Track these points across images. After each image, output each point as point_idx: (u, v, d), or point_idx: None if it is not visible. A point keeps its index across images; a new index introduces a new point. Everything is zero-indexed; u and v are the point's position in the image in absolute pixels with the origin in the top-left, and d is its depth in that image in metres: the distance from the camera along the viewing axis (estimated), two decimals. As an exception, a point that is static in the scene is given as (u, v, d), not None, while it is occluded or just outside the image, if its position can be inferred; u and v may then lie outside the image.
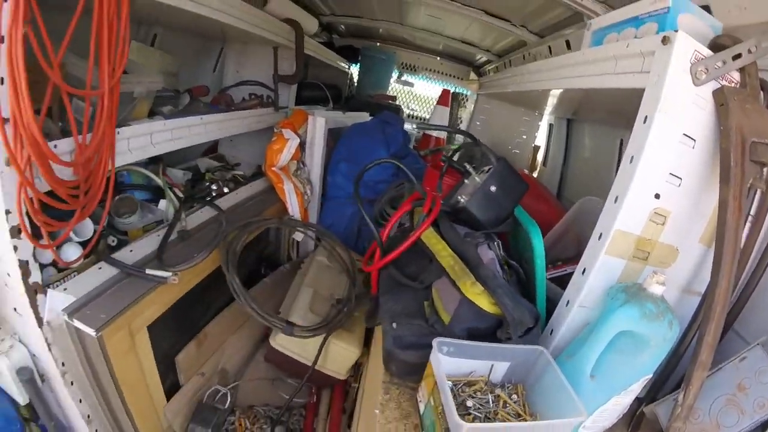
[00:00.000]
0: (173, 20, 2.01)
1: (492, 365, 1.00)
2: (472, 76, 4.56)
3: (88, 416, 1.40)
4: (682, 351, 1.06)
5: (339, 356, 1.73)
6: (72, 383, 1.31)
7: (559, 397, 0.90)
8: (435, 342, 0.94)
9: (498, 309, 1.03)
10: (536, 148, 3.27)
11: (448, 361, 0.94)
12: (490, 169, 1.46)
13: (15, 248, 1.09)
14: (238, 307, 1.87)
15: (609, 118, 2.27)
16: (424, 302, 1.28)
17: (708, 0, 1.14)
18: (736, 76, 0.97)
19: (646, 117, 0.96)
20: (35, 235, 1.11)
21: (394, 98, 4.61)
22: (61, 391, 1.31)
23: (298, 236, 2.35)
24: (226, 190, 2.05)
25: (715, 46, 0.96)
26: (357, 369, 1.83)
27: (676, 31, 0.94)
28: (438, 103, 3.28)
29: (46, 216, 1.10)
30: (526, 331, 1.02)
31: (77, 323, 1.16)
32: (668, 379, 1.09)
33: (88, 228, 1.31)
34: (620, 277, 1.01)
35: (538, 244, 1.28)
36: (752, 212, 1.01)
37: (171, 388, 1.58)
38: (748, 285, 1.06)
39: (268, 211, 2.13)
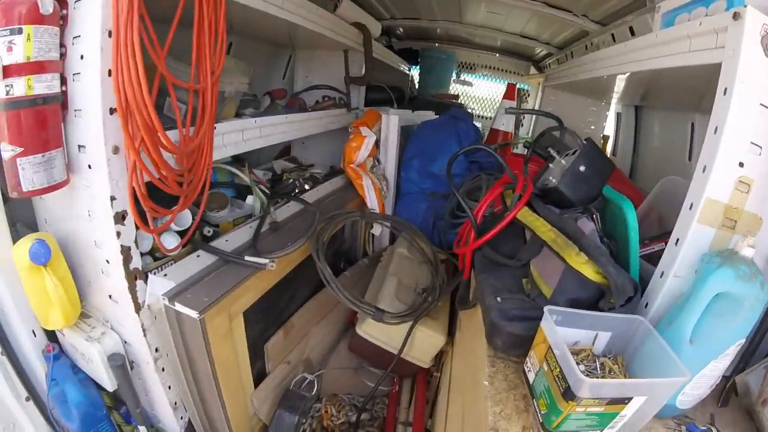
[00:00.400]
0: (248, 29, 2.08)
1: (596, 335, 0.99)
2: (532, 71, 4.44)
3: (176, 403, 1.46)
4: (765, 329, 1.04)
5: (424, 343, 1.72)
6: (163, 369, 1.37)
7: (661, 363, 0.89)
8: (546, 309, 0.93)
9: (601, 278, 1.03)
10: (605, 138, 3.14)
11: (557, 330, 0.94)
12: (575, 151, 1.45)
13: (118, 234, 1.14)
14: (322, 298, 1.92)
15: (679, 100, 2.18)
16: (522, 279, 1.27)
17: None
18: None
19: (725, 89, 0.97)
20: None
21: (456, 97, 4.56)
22: (151, 377, 1.37)
23: (377, 230, 2.36)
24: (306, 187, 2.10)
25: (782, 19, 0.96)
26: (439, 359, 1.83)
27: (745, 6, 0.95)
28: (504, 97, 3.22)
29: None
30: (627, 300, 1.00)
31: (179, 307, 1.19)
32: (756, 351, 1.06)
33: (186, 218, 1.36)
34: (710, 245, 0.99)
35: (632, 218, 1.25)
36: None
37: (258, 376, 1.61)
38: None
39: (347, 207, 2.16)
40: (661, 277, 1.06)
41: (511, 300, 1.17)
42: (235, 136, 1.56)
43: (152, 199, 1.16)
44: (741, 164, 0.97)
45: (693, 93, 1.76)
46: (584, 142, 1.44)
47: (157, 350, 1.34)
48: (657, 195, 1.66)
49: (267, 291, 1.51)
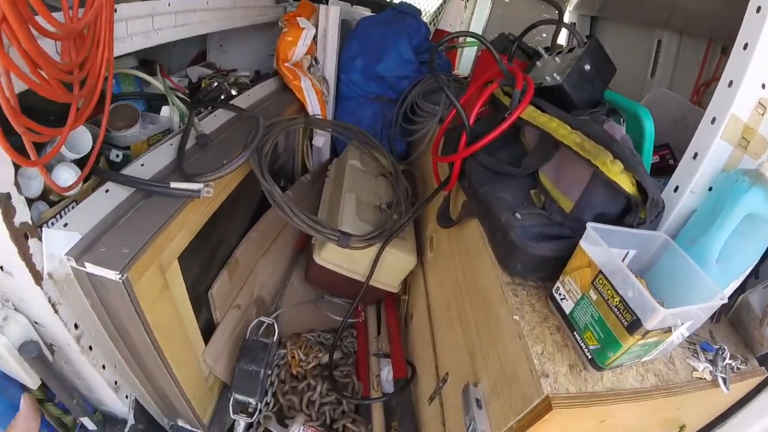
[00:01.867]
0: None
1: (626, 254, 0.89)
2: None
3: (116, 383, 1.17)
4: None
5: (394, 266, 1.49)
6: (90, 348, 1.06)
7: (686, 283, 0.84)
8: (590, 227, 0.81)
9: (635, 190, 0.88)
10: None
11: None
12: (571, 49, 1.28)
13: (-11, 176, 0.77)
14: (264, 226, 1.62)
15: (643, 15, 2.08)
16: (530, 192, 1.08)
17: None
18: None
19: (759, 7, 0.91)
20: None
21: None
22: (79, 359, 1.06)
23: (319, 141, 2.02)
24: (233, 92, 1.71)
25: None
26: (405, 281, 1.61)
27: None
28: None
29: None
30: (656, 215, 0.90)
31: (91, 267, 0.85)
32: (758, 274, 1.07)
33: (84, 140, 0.99)
34: (726, 163, 0.97)
35: (649, 127, 1.12)
36: None
37: (206, 329, 1.33)
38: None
39: (285, 114, 1.78)
40: (675, 191, 1.00)
41: (530, 216, 0.99)
42: (143, 24, 1.17)
43: (30, 117, 0.77)
44: (763, 86, 0.94)
45: (661, 7, 1.70)
46: (588, 38, 1.27)
47: (76, 326, 1.01)
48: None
49: (203, 226, 1.18)
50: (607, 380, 0.79)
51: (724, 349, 0.94)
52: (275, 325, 1.44)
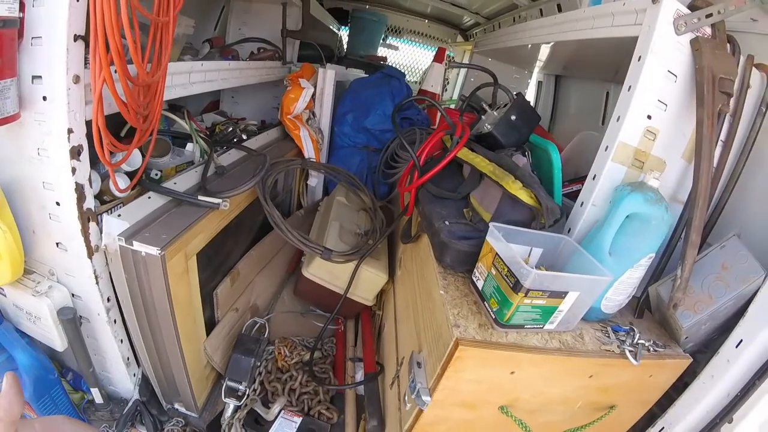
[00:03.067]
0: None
1: (531, 250, 1.14)
2: (459, 39, 4.51)
3: (128, 359, 1.41)
4: (671, 250, 1.25)
5: (369, 282, 1.75)
6: (115, 321, 1.31)
7: (589, 273, 1.02)
8: (491, 224, 1.08)
9: (534, 202, 1.18)
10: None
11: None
12: (506, 105, 1.62)
13: (73, 170, 1.06)
14: (264, 247, 1.89)
15: (596, 72, 2.40)
16: (463, 210, 1.40)
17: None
18: (708, 30, 1.16)
19: (640, 56, 1.16)
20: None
21: (384, 59, 4.50)
22: (103, 331, 1.32)
23: (313, 181, 2.34)
24: (244, 137, 2.03)
25: (692, 6, 1.15)
26: (379, 298, 1.87)
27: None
28: (434, 60, 3.26)
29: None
30: (555, 221, 1.17)
31: (138, 245, 1.14)
32: (664, 269, 1.27)
33: (136, 158, 1.29)
34: (622, 181, 1.18)
35: (556, 157, 1.44)
36: (722, 138, 1.22)
37: (208, 325, 1.57)
38: (719, 202, 1.27)
39: (286, 156, 2.11)
40: (581, 206, 1.25)
41: (457, 224, 1.31)
42: (182, 78, 1.48)
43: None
44: (649, 116, 1.17)
45: (609, 66, 1.98)
46: (515, 95, 1.61)
47: (109, 300, 1.27)
48: (574, 146, 1.94)
49: (216, 235, 1.47)
50: (511, 338, 1.03)
51: (634, 329, 1.13)
52: (267, 325, 1.70)
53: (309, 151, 2.18)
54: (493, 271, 1.06)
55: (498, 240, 1.06)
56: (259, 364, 1.62)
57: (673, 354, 1.14)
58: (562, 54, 2.39)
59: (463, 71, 4.06)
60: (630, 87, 1.17)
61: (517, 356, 1.01)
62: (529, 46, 2.22)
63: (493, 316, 1.05)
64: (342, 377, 1.68)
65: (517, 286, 0.96)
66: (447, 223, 1.30)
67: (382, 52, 4.71)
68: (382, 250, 1.85)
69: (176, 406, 1.58)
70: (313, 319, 1.91)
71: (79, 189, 1.10)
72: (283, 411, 1.52)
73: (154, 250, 1.13)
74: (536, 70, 3.32)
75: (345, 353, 1.78)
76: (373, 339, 1.76)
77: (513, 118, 1.55)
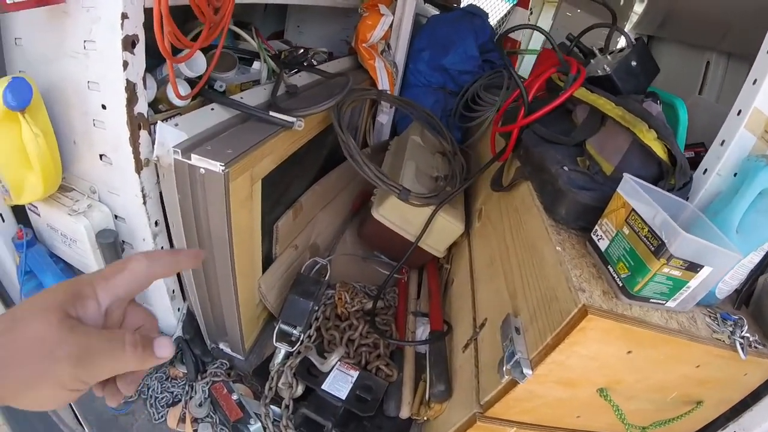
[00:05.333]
0: None
1: (656, 214, 0.91)
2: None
3: (173, 291, 1.24)
4: None
5: (443, 231, 1.53)
6: (162, 248, 1.13)
7: None
8: (627, 176, 0.90)
9: (666, 157, 0.99)
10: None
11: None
12: (621, 50, 1.41)
13: (125, 65, 0.85)
14: (328, 182, 1.69)
15: (698, 36, 2.10)
16: (577, 158, 1.15)
17: None
18: None
19: None
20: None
21: (459, 2, 4.13)
22: None
23: (383, 118, 2.10)
24: (314, 62, 1.80)
25: None
26: (449, 251, 1.66)
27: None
28: (517, 5, 2.95)
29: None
30: (684, 185, 1.00)
31: (197, 160, 0.93)
32: None
33: (200, 63, 1.08)
34: (750, 152, 1.02)
35: (683, 115, 1.23)
36: None
37: (264, 261, 1.40)
38: None
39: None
40: (704, 173, 1.06)
41: (575, 172, 1.07)
42: None
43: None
44: None
45: (716, 29, 1.76)
46: (635, 39, 1.40)
47: (156, 224, 1.09)
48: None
49: (284, 160, 1.26)
50: (635, 311, 0.84)
51: (743, 320, 0.96)
52: (328, 266, 1.51)
53: (384, 84, 1.93)
54: (626, 231, 0.87)
55: (636, 194, 0.87)
56: (317, 308, 1.44)
57: (769, 353, 0.99)
58: (661, 8, 2.12)
59: (547, 19, 3.66)
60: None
61: (640, 334, 0.83)
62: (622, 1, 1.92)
63: (619, 283, 0.85)
64: (403, 332, 1.49)
65: (659, 250, 0.78)
66: (566, 168, 1.07)
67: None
68: (459, 199, 1.62)
69: (221, 346, 1.44)
70: (376, 266, 1.71)
71: (131, 88, 0.89)
72: (339, 362, 1.33)
73: (216, 167, 0.91)
74: (627, 28, 2.91)
75: (407, 306, 1.57)
76: (440, 294, 1.55)
77: (633, 63, 1.32)
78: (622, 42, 2.98)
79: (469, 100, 2.06)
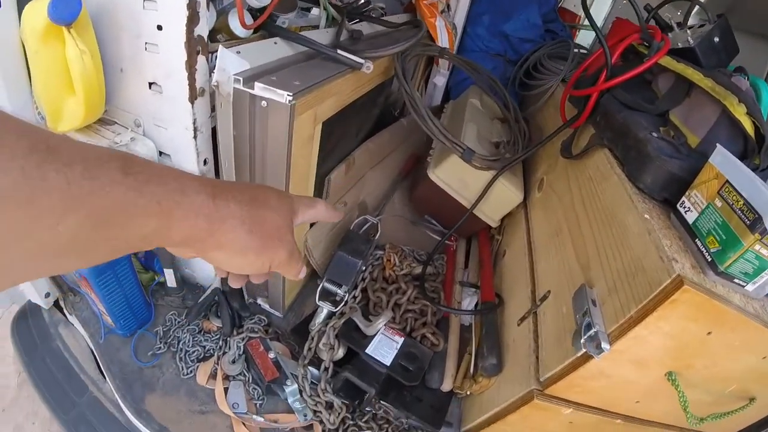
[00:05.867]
0: None
1: (752, 186, 0.85)
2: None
3: None
4: None
5: (501, 199, 1.44)
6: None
7: None
8: (720, 147, 0.83)
9: (753, 133, 0.93)
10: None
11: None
12: (702, 25, 1.33)
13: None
14: (381, 140, 1.61)
15: (765, 25, 2.01)
16: (660, 128, 1.06)
17: None
18: None
19: None
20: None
21: None
22: None
23: (440, 80, 2.00)
24: (373, 15, 1.70)
25: None
26: (501, 222, 1.57)
27: None
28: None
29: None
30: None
31: (260, 89, 0.84)
32: None
33: (264, -9, 0.99)
34: None
35: (767, 95, 1.10)
36: None
37: (312, 215, 1.32)
38: None
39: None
40: None
41: (662, 140, 1.00)
42: None
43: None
44: None
45: None
46: (718, 16, 1.28)
47: (205, 162, 1.02)
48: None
49: (346, 106, 1.17)
50: (720, 290, 0.76)
51: None
52: (378, 226, 1.43)
53: (443, 42, 1.82)
54: (718, 203, 0.80)
55: (732, 164, 0.80)
56: (365, 268, 1.36)
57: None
58: None
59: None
60: None
61: (725, 314, 0.76)
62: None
63: (708, 258, 0.78)
64: (450, 300, 1.41)
65: (755, 225, 0.73)
66: (655, 134, 0.99)
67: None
68: (518, 168, 1.52)
69: (259, 301, 1.37)
70: (426, 230, 1.63)
71: (193, 5, 0.81)
72: (384, 327, 1.26)
73: (283, 97, 0.83)
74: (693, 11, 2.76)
75: (455, 275, 1.49)
76: (492, 265, 1.46)
77: (716, 39, 1.24)
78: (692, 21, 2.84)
79: (531, 68, 1.94)
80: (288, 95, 0.82)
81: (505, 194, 1.42)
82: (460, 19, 2.06)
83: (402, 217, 1.65)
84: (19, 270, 0.32)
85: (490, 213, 1.48)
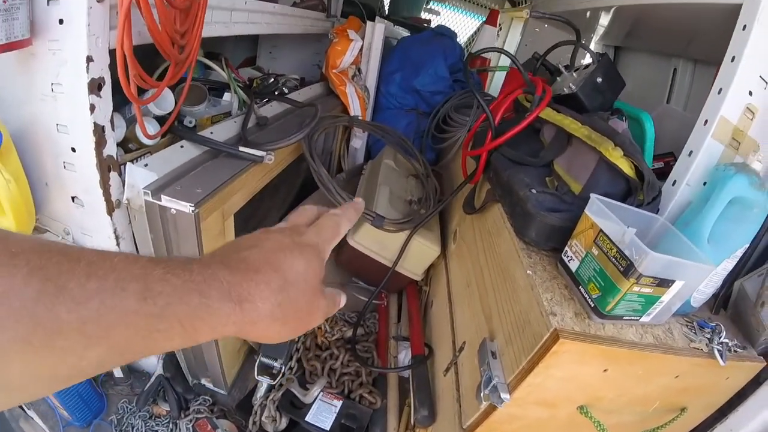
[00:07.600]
0: None
1: (625, 231, 0.91)
2: (507, 5, 4.11)
3: None
4: (756, 242, 1.05)
5: (420, 254, 1.53)
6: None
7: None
8: (594, 196, 0.90)
9: (633, 173, 1.00)
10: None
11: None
12: (587, 66, 1.40)
13: (92, 108, 0.85)
14: (311, 203, 1.68)
15: (664, 44, 2.12)
16: (545, 178, 1.17)
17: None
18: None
19: (744, 25, 1.01)
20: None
21: (429, 22, 4.14)
22: None
23: (357, 143, 2.11)
24: (285, 90, 1.80)
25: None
26: (426, 273, 1.66)
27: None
28: (486, 23, 3.00)
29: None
30: (652, 199, 1.00)
31: (167, 201, 0.92)
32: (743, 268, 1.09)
33: (168, 100, 1.08)
34: (718, 161, 1.03)
35: (650, 129, 1.24)
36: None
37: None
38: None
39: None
40: (673, 185, 1.07)
41: (543, 194, 1.08)
42: (223, 15, 1.24)
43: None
44: (750, 93, 1.02)
45: (680, 37, 1.76)
46: (600, 55, 1.38)
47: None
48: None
49: (256, 194, 1.26)
50: (609, 330, 0.84)
51: (720, 326, 0.97)
52: (306, 296, 1.50)
53: (355, 110, 1.95)
54: (595, 251, 0.87)
55: (603, 214, 0.88)
56: (297, 339, 1.42)
57: (750, 356, 1.00)
58: (626, 19, 2.07)
59: (515, 35, 3.74)
60: (734, 57, 1.01)
61: (615, 352, 0.83)
62: (588, 14, 1.97)
63: (591, 304, 0.85)
64: (385, 357, 1.48)
65: (628, 270, 0.79)
66: (534, 191, 1.08)
67: (424, 16, 4.39)
68: (434, 221, 1.63)
69: (203, 381, 1.41)
70: (355, 292, 1.70)
71: (99, 131, 0.89)
72: (321, 393, 1.32)
73: (186, 207, 0.91)
74: (594, 40, 2.99)
75: (388, 331, 1.57)
76: (420, 317, 1.55)
77: (599, 80, 1.32)
78: (588, 57, 3.06)
79: (441, 121, 2.08)
80: (191, 206, 0.90)
81: (423, 249, 1.51)
82: (372, 81, 2.19)
83: (331, 282, 1.71)
84: (45, 393, 0.34)
85: (412, 268, 1.57)
